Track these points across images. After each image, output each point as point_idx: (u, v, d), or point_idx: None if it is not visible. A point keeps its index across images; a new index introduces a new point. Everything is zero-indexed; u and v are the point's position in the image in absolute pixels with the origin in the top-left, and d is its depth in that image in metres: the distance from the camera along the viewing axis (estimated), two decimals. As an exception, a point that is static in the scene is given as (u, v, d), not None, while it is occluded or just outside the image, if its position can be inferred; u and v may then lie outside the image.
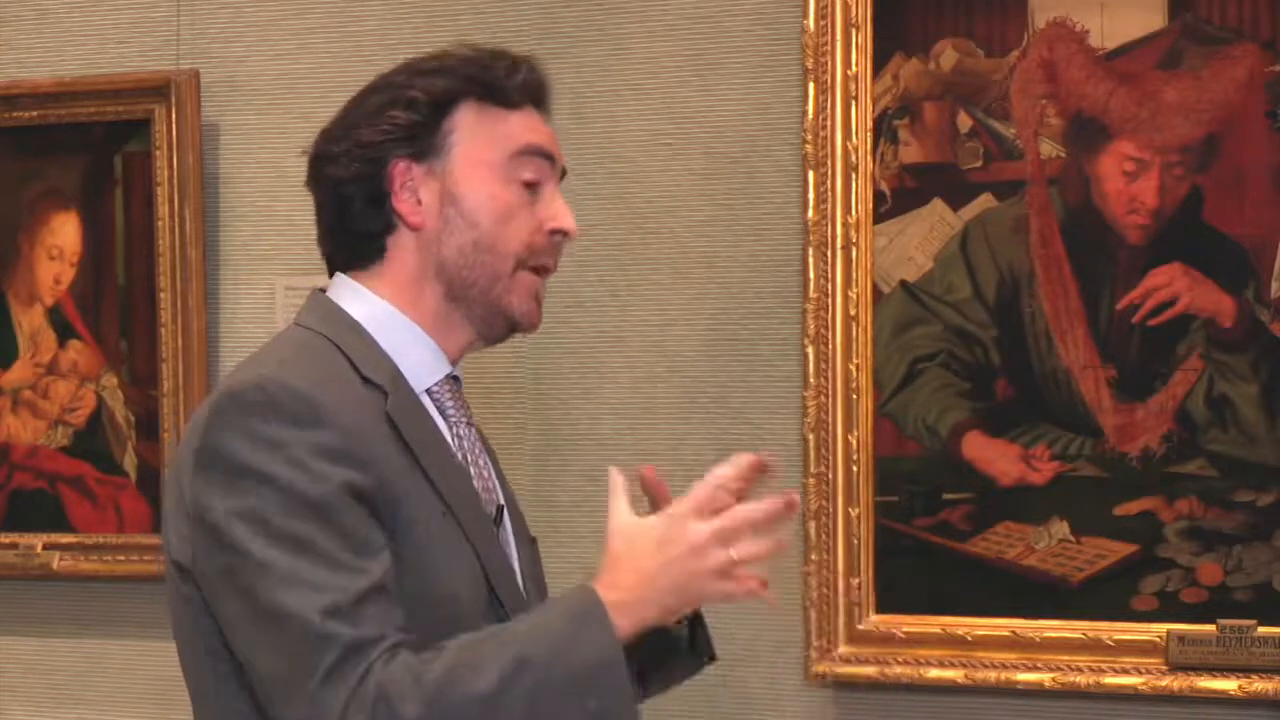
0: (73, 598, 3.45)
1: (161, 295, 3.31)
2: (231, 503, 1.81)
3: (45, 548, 3.42)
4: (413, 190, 1.98)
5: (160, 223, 3.31)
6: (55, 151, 3.41)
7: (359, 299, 1.99)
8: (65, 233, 3.41)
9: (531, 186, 2.00)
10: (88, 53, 3.42)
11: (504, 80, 2.00)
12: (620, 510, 1.87)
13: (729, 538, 1.82)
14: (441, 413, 2.00)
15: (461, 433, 2.02)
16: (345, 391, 1.89)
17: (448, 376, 2.02)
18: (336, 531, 1.79)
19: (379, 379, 1.93)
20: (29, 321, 3.44)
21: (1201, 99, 2.77)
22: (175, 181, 3.29)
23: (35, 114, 3.40)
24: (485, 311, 2.00)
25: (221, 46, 3.34)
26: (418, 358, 1.98)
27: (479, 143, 1.99)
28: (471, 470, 2.01)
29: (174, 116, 3.29)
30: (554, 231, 2.01)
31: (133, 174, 3.36)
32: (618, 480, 1.90)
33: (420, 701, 1.74)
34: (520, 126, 2.01)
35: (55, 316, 3.43)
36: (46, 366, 3.44)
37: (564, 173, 2.08)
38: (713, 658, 2.18)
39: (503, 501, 2.05)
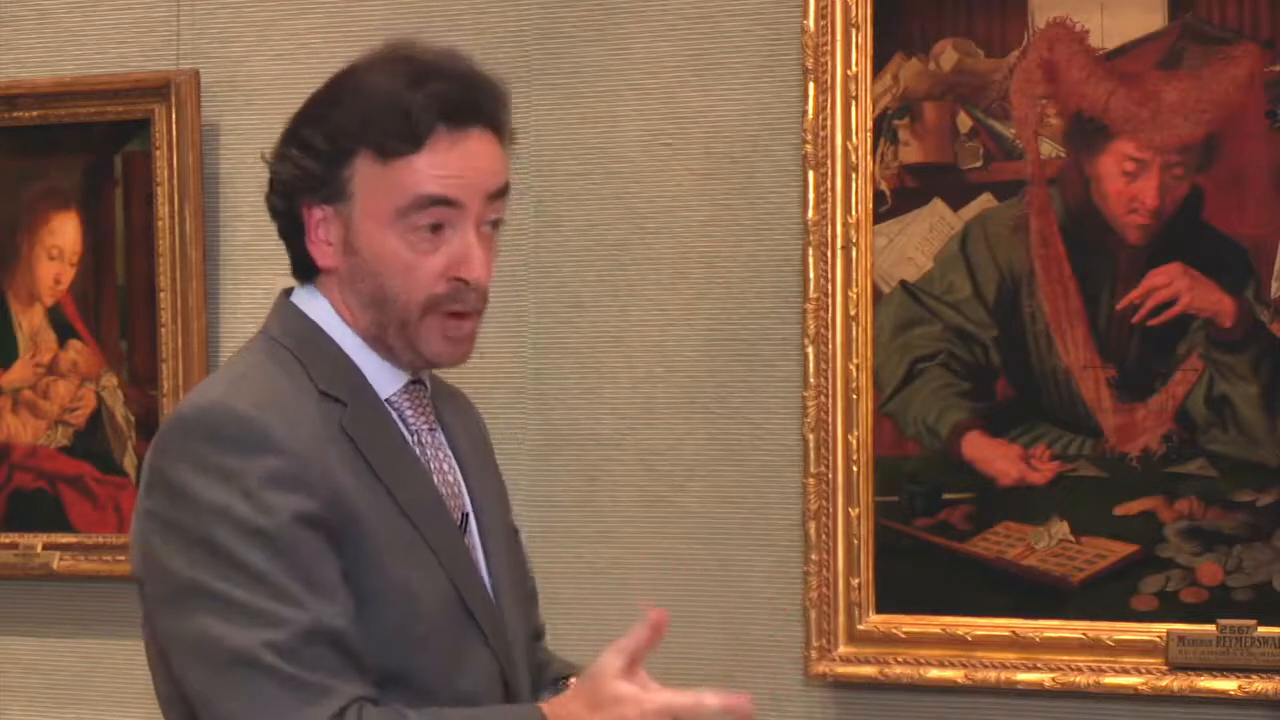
0: (73, 598, 3.45)
1: (161, 295, 3.31)
2: (173, 530, 1.82)
3: (45, 548, 3.42)
4: (325, 232, 1.93)
5: (160, 223, 3.31)
6: (55, 151, 3.41)
7: (319, 305, 1.97)
8: (65, 233, 3.41)
9: (438, 228, 1.91)
10: (88, 53, 3.42)
11: (398, 127, 1.90)
12: (608, 664, 1.85)
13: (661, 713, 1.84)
14: (402, 421, 1.98)
15: (425, 439, 1.99)
16: (299, 409, 1.88)
17: (408, 383, 1.99)
18: (284, 564, 1.79)
19: (337, 391, 1.92)
20: (29, 321, 3.44)
21: (1201, 99, 2.77)
22: (175, 181, 3.29)
23: (35, 114, 3.40)
24: (403, 350, 1.94)
25: (221, 46, 3.34)
26: (374, 366, 1.96)
27: (373, 194, 1.91)
28: (436, 478, 1.98)
29: (174, 116, 3.29)
30: (456, 279, 1.91)
31: (133, 174, 3.36)
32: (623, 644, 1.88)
33: None
34: (422, 172, 1.89)
35: (55, 316, 3.43)
36: (46, 366, 3.43)
37: (505, 190, 1.95)
38: None
39: (469, 509, 2.02)
